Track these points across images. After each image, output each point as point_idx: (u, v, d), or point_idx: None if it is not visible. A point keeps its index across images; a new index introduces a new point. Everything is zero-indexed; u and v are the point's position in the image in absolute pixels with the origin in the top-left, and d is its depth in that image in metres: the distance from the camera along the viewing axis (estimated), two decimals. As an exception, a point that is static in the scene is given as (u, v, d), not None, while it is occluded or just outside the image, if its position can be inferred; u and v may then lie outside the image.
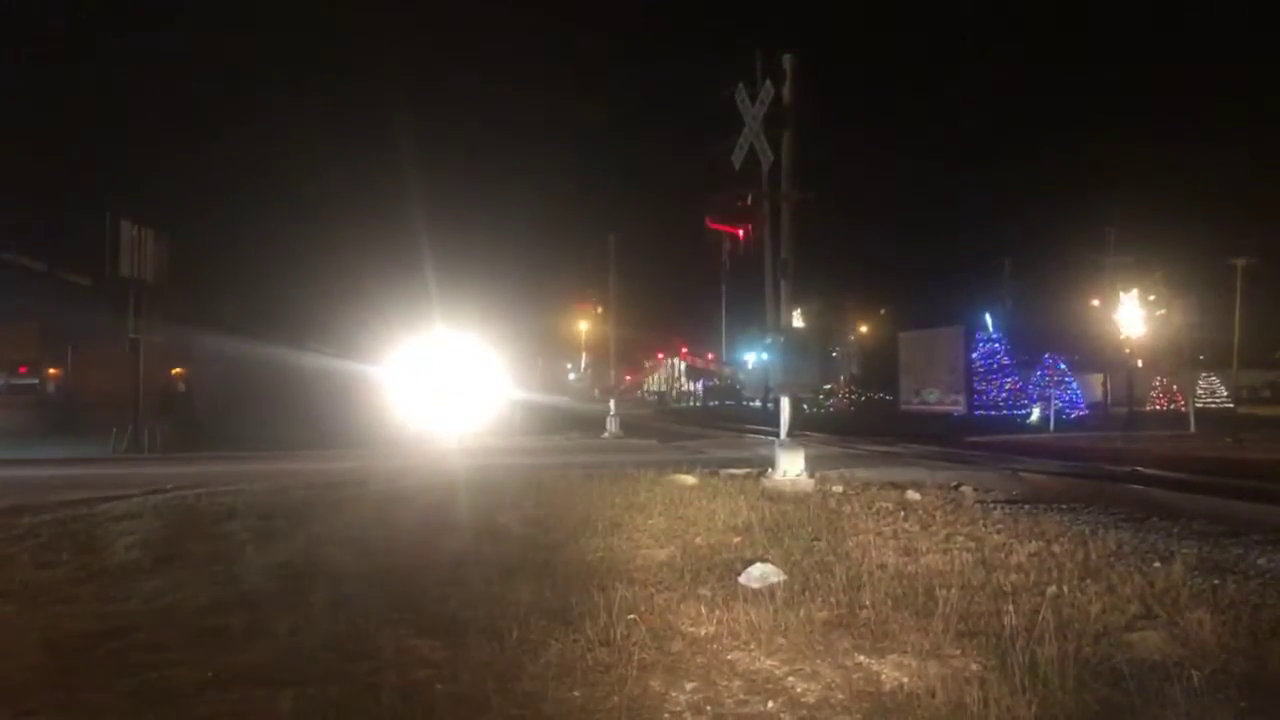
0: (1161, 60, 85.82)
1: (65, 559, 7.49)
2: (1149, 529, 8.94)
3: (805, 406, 39.23)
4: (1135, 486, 13.16)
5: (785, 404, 13.15)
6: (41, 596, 6.25)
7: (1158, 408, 40.32)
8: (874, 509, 9.79)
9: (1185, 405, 31.17)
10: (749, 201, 13.59)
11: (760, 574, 6.40)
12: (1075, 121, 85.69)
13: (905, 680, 4.43)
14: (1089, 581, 6.28)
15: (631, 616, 5.42)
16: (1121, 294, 33.86)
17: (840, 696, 4.28)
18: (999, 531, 8.46)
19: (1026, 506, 10.67)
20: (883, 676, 4.51)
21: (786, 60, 12.87)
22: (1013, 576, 6.49)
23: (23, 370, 30.92)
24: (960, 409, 38.08)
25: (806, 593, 5.98)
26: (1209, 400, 43.39)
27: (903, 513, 9.59)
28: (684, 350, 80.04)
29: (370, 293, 28.90)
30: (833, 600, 5.81)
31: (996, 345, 38.50)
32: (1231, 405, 43.52)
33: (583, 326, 53.95)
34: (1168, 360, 38.44)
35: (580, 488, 11.36)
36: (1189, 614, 5.36)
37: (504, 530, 8.66)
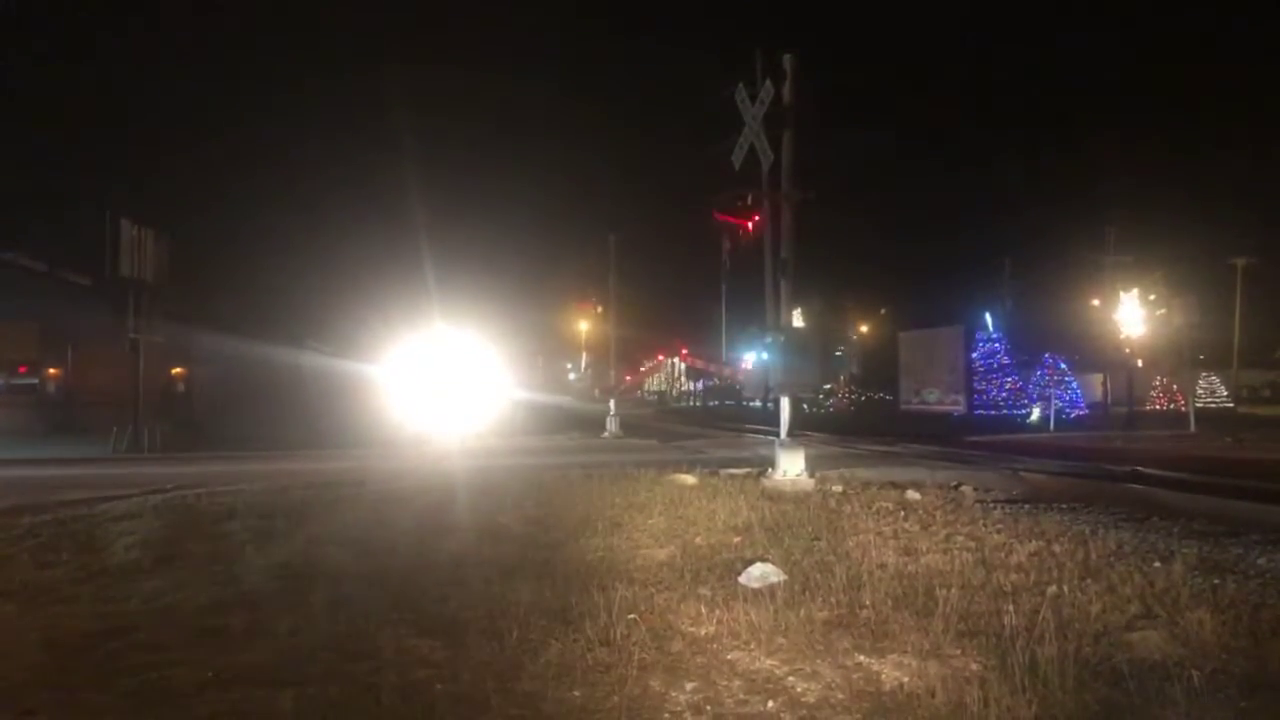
0: (1162, 60, 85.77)
1: (65, 559, 7.49)
2: (1149, 529, 8.94)
3: (805, 406, 39.24)
4: (1135, 486, 13.16)
5: (785, 404, 13.15)
6: (41, 596, 6.25)
7: (1158, 407, 40.34)
8: (874, 509, 9.79)
9: (1185, 405, 31.18)
10: (749, 201, 13.60)
11: (760, 574, 6.40)
12: (1075, 121, 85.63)
13: (905, 680, 4.43)
14: (1089, 581, 6.28)
15: (631, 616, 5.42)
16: (1121, 293, 33.86)
17: (840, 696, 4.28)
18: (999, 531, 8.46)
19: (1026, 506, 10.67)
20: (883, 676, 4.51)
21: (786, 60, 12.87)
22: (1013, 576, 6.49)
23: (23, 370, 30.90)
24: (960, 409, 38.07)
25: (807, 592, 5.98)
26: (1209, 400, 43.40)
27: (903, 512, 9.58)
28: (684, 351, 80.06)
29: (370, 291, 28.93)
30: (833, 600, 5.81)
31: (996, 345, 38.49)
32: (1231, 405, 43.53)
33: (583, 326, 54.00)
34: (1168, 360, 38.45)
35: (580, 487, 11.36)
36: (1189, 614, 5.36)
37: (504, 530, 8.66)
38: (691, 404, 68.88)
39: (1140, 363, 38.97)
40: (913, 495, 11.05)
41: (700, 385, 74.43)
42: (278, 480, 12.95)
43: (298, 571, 6.87)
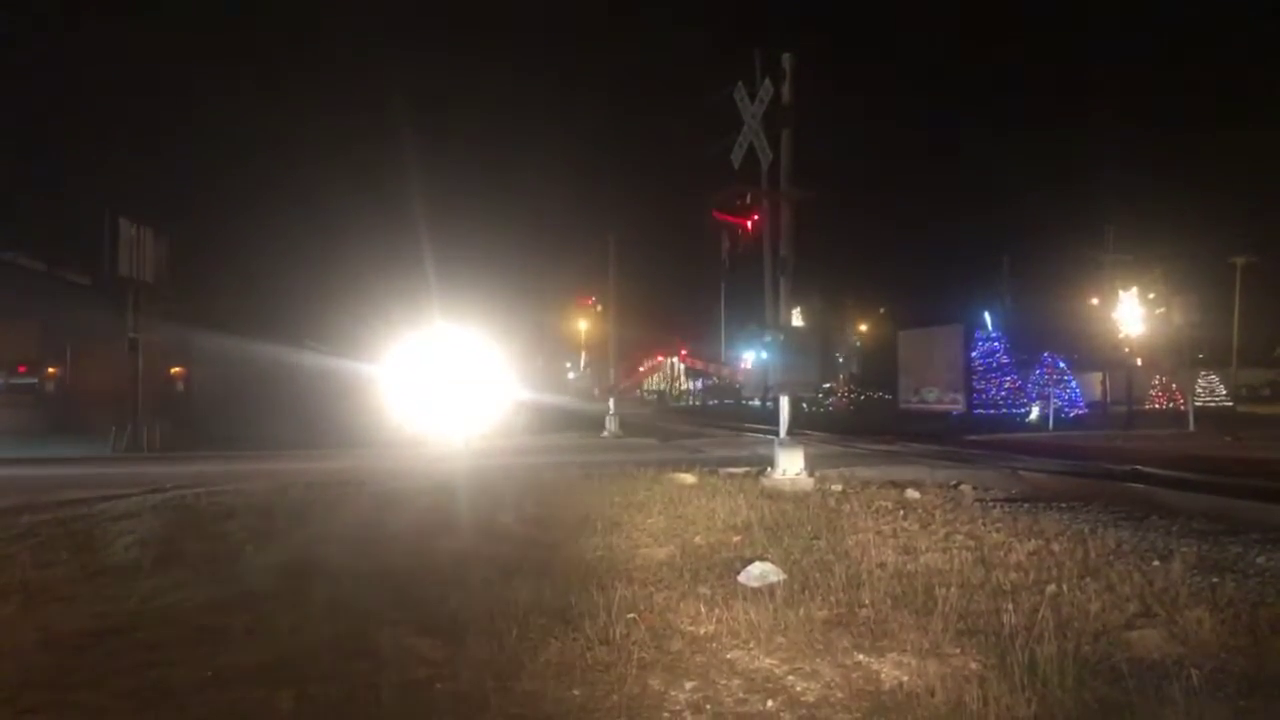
0: (1161, 59, 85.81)
1: (64, 558, 7.49)
2: (1148, 527, 8.94)
3: (805, 405, 39.26)
4: (1134, 485, 13.16)
5: (784, 403, 13.15)
6: (40, 595, 6.25)
7: (1157, 406, 40.34)
8: (873, 508, 9.80)
9: (1184, 404, 31.18)
10: (748, 200, 13.59)
11: (760, 573, 6.40)
12: (1075, 120, 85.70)
13: (905, 679, 4.43)
14: (1088, 580, 6.28)
15: (631, 615, 5.42)
16: (1121, 292, 33.88)
17: (840, 695, 4.28)
18: (998, 530, 8.46)
19: (1026, 505, 10.67)
20: (882, 675, 4.51)
21: (785, 59, 12.86)
22: (1012, 575, 6.49)
23: (22, 369, 30.87)
24: (959, 408, 38.06)
25: (806, 591, 5.98)
26: (1208, 399, 43.42)
27: (902, 511, 9.59)
28: (683, 352, 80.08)
29: (369, 290, 28.92)
30: (832, 599, 5.81)
31: (996, 344, 38.48)
32: (1231, 404, 43.55)
33: (582, 325, 54.04)
34: (1167, 359, 38.45)
35: (580, 487, 11.37)
36: (1188, 612, 5.36)
37: (503, 529, 8.66)
38: (691, 403, 68.93)
39: (1139, 361, 38.98)
40: (912, 494, 11.05)
41: (699, 384, 74.46)
42: (277, 479, 12.94)
43: (297, 571, 6.86)
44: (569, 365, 76.83)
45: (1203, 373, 44.43)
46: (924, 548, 7.58)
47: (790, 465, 12.30)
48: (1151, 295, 33.85)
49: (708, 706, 4.16)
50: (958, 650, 4.83)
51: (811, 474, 12.38)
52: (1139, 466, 15.56)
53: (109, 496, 11.26)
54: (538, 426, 28.47)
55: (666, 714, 4.09)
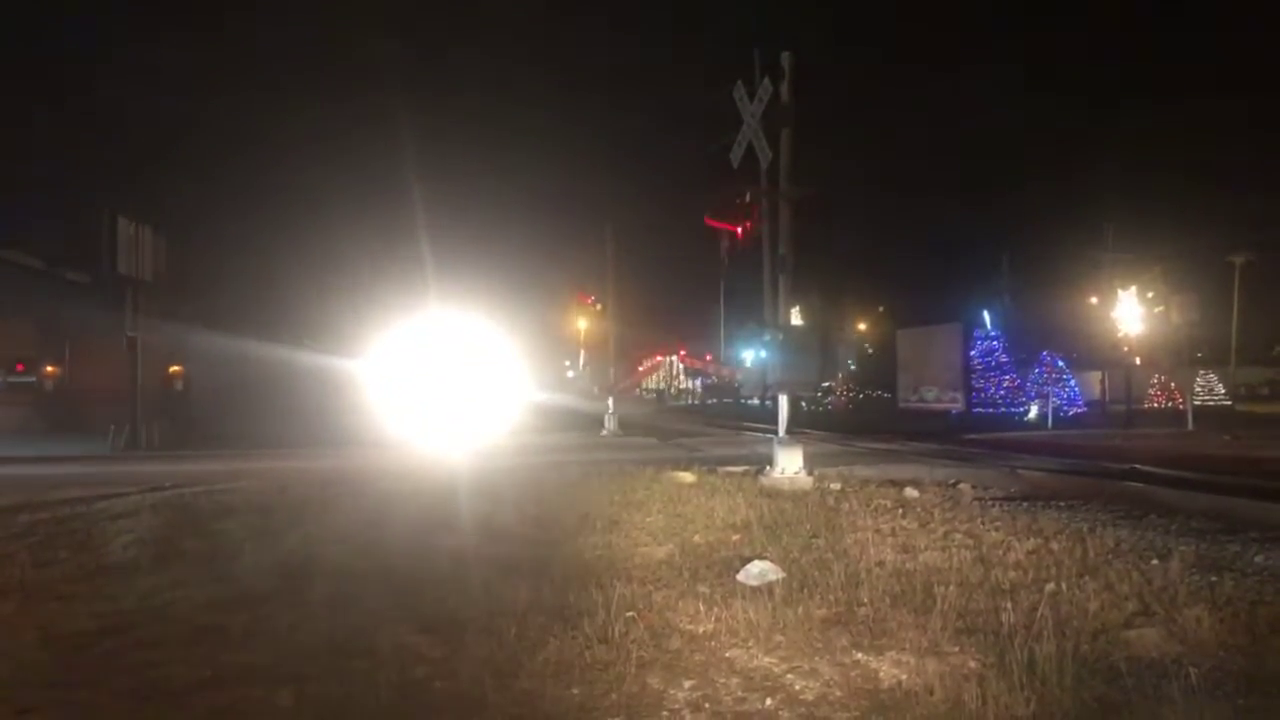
0: (1161, 57, 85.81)
1: (63, 557, 7.48)
2: (1147, 526, 8.94)
3: (804, 404, 39.23)
4: (1133, 484, 13.16)
5: (783, 401, 13.16)
6: (39, 594, 6.24)
7: (1156, 405, 40.35)
8: (872, 506, 9.80)
9: (1183, 403, 31.20)
10: (748, 199, 13.59)
11: (759, 571, 6.40)
12: (1074, 118, 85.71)
13: (903, 678, 4.43)
14: (1087, 579, 6.28)
15: (630, 614, 5.42)
16: (1120, 291, 33.88)
17: (838, 694, 4.28)
18: (997, 529, 8.47)
19: (1025, 504, 10.68)
20: (881, 674, 4.51)
21: (785, 58, 12.86)
22: (1011, 574, 6.49)
23: (20, 368, 30.86)
24: (958, 406, 38.07)
25: (805, 590, 5.98)
26: (1207, 398, 43.42)
27: (901, 510, 9.59)
28: (683, 353, 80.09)
29: (369, 288, 28.89)
30: (831, 598, 5.81)
31: (995, 343, 38.49)
32: (1230, 403, 43.57)
33: (581, 324, 54.00)
34: (1166, 358, 38.46)
35: (579, 485, 11.37)
36: (1187, 611, 5.37)
37: (502, 528, 8.66)
38: (690, 402, 68.91)
39: (1138, 360, 39.00)
40: (911, 493, 11.05)
41: (699, 383, 74.49)
42: (276, 478, 12.94)
43: (296, 569, 6.86)
44: (568, 364, 76.82)
45: (1201, 371, 44.44)
46: (923, 546, 7.58)
47: (789, 464, 12.30)
48: (1150, 294, 33.85)
49: (706, 705, 4.16)
50: (956, 649, 4.83)
51: (810, 472, 12.38)
52: (1137, 465, 15.57)
53: (107, 495, 11.26)
54: (537, 425, 28.44)
55: (665, 712, 4.09)
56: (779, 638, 5.06)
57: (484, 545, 7.76)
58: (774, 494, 10.83)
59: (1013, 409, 35.91)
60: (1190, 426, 26.84)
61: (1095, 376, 38.83)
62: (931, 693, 4.17)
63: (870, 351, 63.19)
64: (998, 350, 38.26)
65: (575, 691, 4.28)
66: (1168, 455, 17.55)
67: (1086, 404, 36.42)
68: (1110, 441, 22.56)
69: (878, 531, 8.28)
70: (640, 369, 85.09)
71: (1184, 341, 32.51)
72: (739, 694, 4.29)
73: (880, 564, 6.81)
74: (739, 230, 14.10)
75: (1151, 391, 41.90)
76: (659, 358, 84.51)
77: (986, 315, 39.58)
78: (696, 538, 8.03)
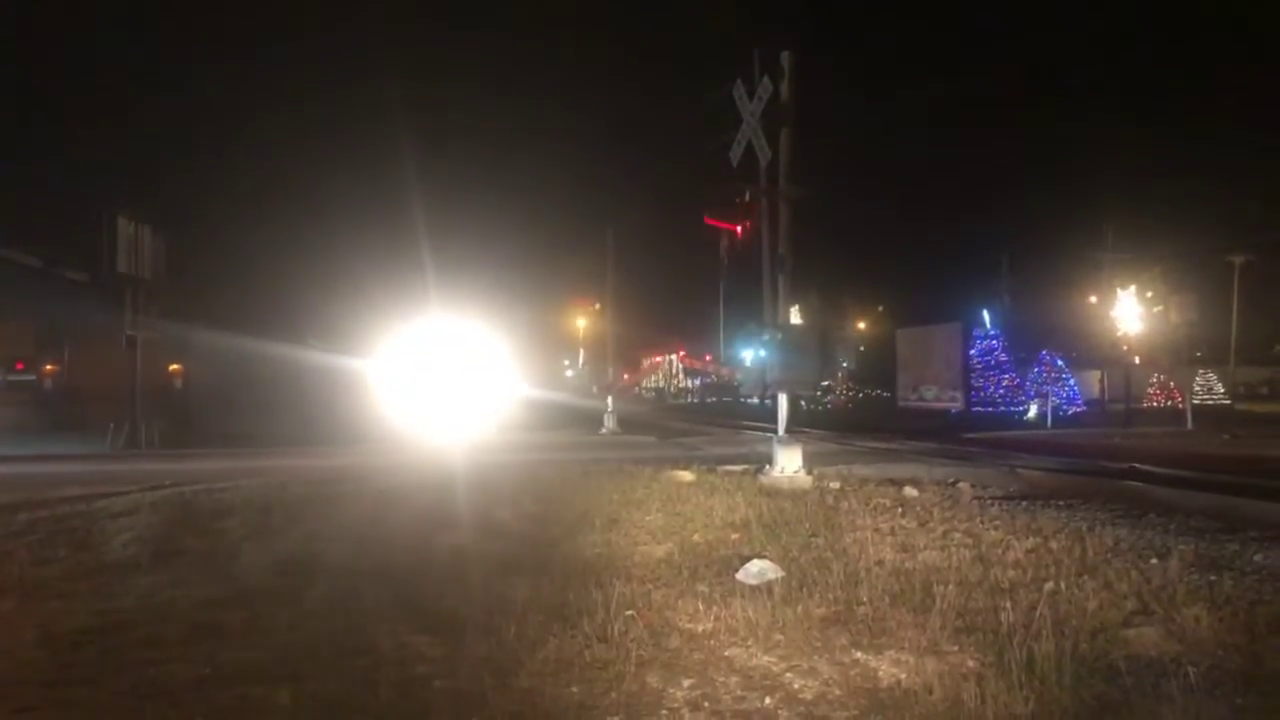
0: (1160, 57, 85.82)
1: (62, 555, 7.48)
2: (1146, 525, 8.95)
3: (803, 403, 39.23)
4: (1132, 483, 13.17)
5: (783, 400, 13.16)
6: (39, 593, 6.24)
7: (1155, 404, 40.36)
8: (871, 505, 9.80)
9: (1182, 402, 31.22)
10: (747, 198, 13.59)
11: (758, 570, 6.40)
12: (1074, 118, 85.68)
13: (903, 677, 4.43)
14: (1086, 578, 6.29)
15: (629, 613, 5.42)
16: (1119, 290, 33.87)
17: (838, 693, 4.28)
18: (996, 528, 8.47)
19: (1024, 503, 10.68)
20: (880, 673, 4.52)
21: (784, 57, 12.86)
22: (1010, 573, 6.50)
23: (20, 367, 30.86)
24: (958, 406, 38.07)
25: (804, 589, 5.98)
26: (1206, 397, 43.42)
27: (900, 509, 9.59)
28: (682, 353, 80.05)
29: (368, 287, 28.87)
30: (830, 597, 5.82)
31: (994, 342, 38.50)
32: (1229, 402, 43.52)
33: (580, 323, 53.96)
34: (1165, 357, 38.47)
35: (578, 484, 11.37)
36: (1186, 610, 5.37)
37: (502, 526, 8.66)
38: (689, 401, 68.94)
39: (1138, 360, 39.00)
40: (910, 492, 11.06)
41: (698, 382, 74.48)
42: (275, 476, 12.94)
43: (295, 568, 6.87)
44: (567, 363, 76.81)
45: (1200, 371, 44.46)
46: (922, 545, 7.59)
47: (788, 463, 12.30)
48: (1150, 294, 33.84)
49: (706, 704, 4.16)
50: (956, 648, 4.84)
51: (810, 471, 12.38)
52: (1136, 464, 15.58)
53: (107, 494, 11.25)
54: (536, 423, 28.46)
55: (664, 711, 4.09)
56: (778, 636, 5.07)
57: (483, 543, 7.76)
58: (773, 493, 10.83)
59: (1012, 408, 35.92)
60: (1189, 426, 26.86)
61: (1094, 376, 38.84)
62: (930, 692, 4.17)
63: (869, 351, 63.18)
64: (997, 349, 38.27)
65: (574, 690, 4.29)
66: (1167, 454, 17.56)
67: (1086, 403, 36.45)
68: (1109, 440, 22.58)
69: (877, 530, 8.28)
70: (640, 368, 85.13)
71: (1183, 341, 32.51)
72: (738, 693, 4.30)
73: (879, 563, 6.81)
74: (738, 229, 14.10)
75: (1150, 391, 41.91)
76: (658, 358, 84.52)
77: (986, 314, 39.60)
78: (696, 536, 8.03)
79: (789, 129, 12.89)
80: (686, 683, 4.41)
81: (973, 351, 38.96)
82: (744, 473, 13.06)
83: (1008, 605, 5.42)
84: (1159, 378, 41.94)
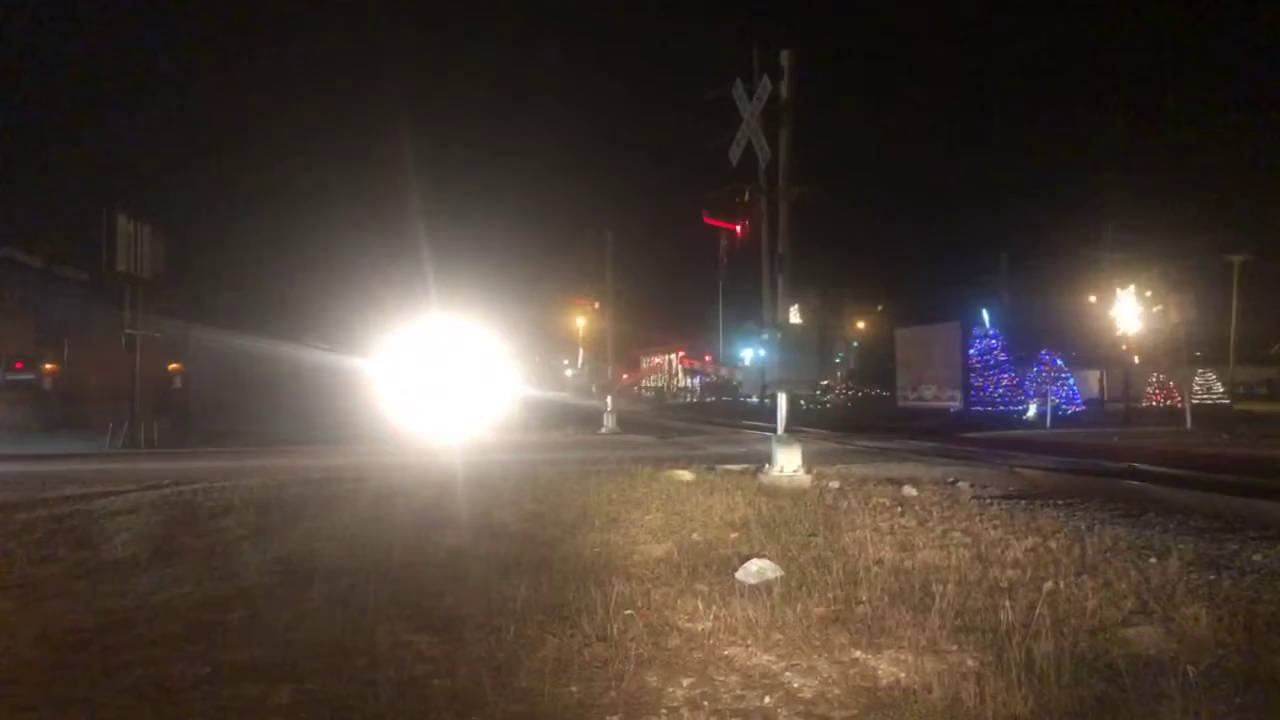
0: (1160, 56, 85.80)
1: (62, 554, 7.48)
2: (1145, 525, 8.96)
3: (802, 402, 39.28)
4: (1132, 482, 13.18)
5: (782, 400, 13.15)
6: (38, 592, 6.24)
7: (1154, 404, 40.40)
8: (871, 504, 9.81)
9: (1181, 401, 31.23)
10: (746, 197, 13.58)
11: (757, 570, 6.40)
12: (1074, 117, 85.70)
13: (902, 676, 4.44)
14: (1085, 577, 6.29)
15: (628, 612, 5.42)
16: (1118, 290, 33.90)
17: (837, 692, 4.28)
18: (995, 527, 8.48)
19: (1023, 502, 10.70)
20: (879, 672, 4.52)
21: (784, 57, 12.84)
22: (1009, 572, 6.50)
23: (19, 365, 30.87)
24: (957, 405, 38.11)
25: (803, 588, 5.98)
26: (1205, 396, 43.52)
27: (899, 508, 9.60)
28: (681, 354, 79.99)
29: (368, 286, 28.91)
30: (829, 596, 5.82)
31: (993, 341, 38.53)
32: (1228, 401, 43.60)
33: (580, 322, 53.92)
34: (1164, 356, 38.51)
35: (577, 483, 11.36)
36: (1185, 609, 5.37)
37: (501, 526, 8.66)
38: (689, 400, 68.90)
39: (1137, 359, 39.03)
40: (909, 491, 11.07)
41: (697, 381, 74.46)
42: (275, 476, 12.94)
43: (295, 567, 6.87)
44: (566, 362, 76.75)
45: (1200, 370, 44.49)
46: (921, 545, 7.59)
47: (788, 462, 12.30)
48: (1149, 293, 33.86)
49: (705, 703, 4.16)
50: (955, 647, 4.84)
51: (809, 471, 12.38)
52: (1136, 464, 15.58)
53: (106, 493, 11.26)
54: (536, 423, 28.47)
55: (664, 710, 4.09)
56: (777, 636, 5.07)
57: (482, 542, 7.76)
58: (772, 492, 10.83)
59: (1011, 407, 35.95)
60: (1188, 425, 26.86)
61: (1094, 375, 38.91)
62: (930, 691, 4.17)
63: (869, 350, 63.17)
64: (996, 349, 38.30)
65: (574, 689, 4.29)
66: (1166, 454, 17.57)
67: (1085, 402, 36.49)
68: (1108, 440, 22.58)
69: (876, 530, 8.28)
70: (639, 368, 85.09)
71: (1182, 340, 32.55)
72: (737, 692, 4.30)
73: (879, 562, 6.82)
74: (738, 228, 14.08)
75: (1150, 390, 41.94)
76: (658, 359, 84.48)
77: (985, 314, 39.63)
78: (695, 536, 8.03)
79: (789, 129, 12.88)
80: (686, 682, 4.41)
81: (972, 351, 39.00)
82: (743, 472, 13.06)
83: (1007, 604, 5.42)
84: (1158, 377, 41.97)
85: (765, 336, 13.37)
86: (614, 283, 30.76)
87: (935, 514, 9.26)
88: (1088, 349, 38.90)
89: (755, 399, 42.62)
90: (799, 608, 5.51)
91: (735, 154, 13.17)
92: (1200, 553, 7.38)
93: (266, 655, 4.76)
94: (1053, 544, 7.55)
